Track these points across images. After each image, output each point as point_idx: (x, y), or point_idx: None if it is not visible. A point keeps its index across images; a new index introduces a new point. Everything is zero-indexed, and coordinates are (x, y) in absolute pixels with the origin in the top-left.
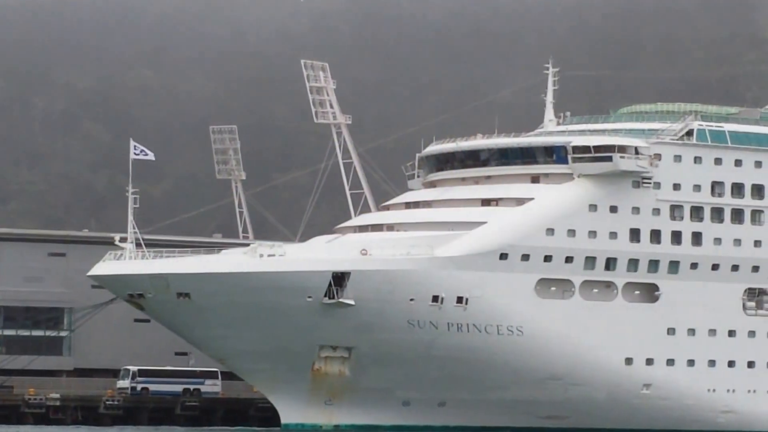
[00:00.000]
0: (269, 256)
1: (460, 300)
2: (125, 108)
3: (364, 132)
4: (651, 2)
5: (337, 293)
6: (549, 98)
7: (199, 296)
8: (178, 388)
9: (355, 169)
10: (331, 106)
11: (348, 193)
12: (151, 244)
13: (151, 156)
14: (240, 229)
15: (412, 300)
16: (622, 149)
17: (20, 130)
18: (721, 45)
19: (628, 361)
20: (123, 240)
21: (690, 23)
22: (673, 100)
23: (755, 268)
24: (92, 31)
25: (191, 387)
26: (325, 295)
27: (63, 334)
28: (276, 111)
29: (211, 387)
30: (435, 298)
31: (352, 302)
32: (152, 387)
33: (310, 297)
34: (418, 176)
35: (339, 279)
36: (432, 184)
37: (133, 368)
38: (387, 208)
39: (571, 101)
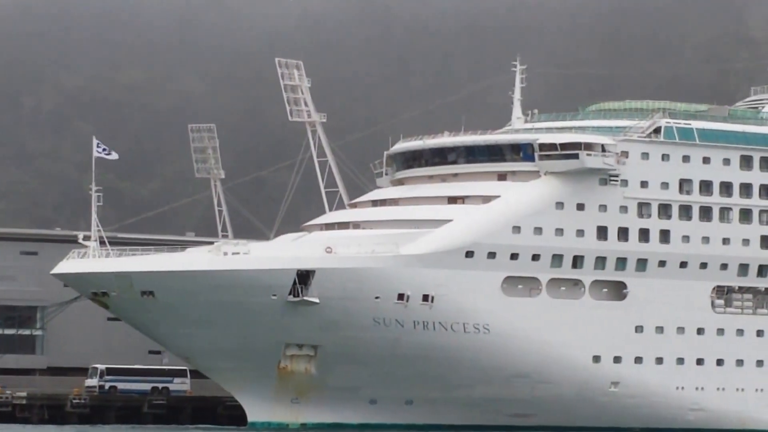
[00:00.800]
0: (233, 254)
1: (425, 298)
2: (115, 107)
3: (345, 129)
4: (641, 1)
5: (301, 291)
6: (516, 96)
7: (163, 294)
8: (147, 386)
9: (330, 167)
10: (306, 105)
11: (323, 191)
12: (116, 243)
13: (114, 156)
14: (219, 228)
15: (377, 298)
16: (588, 147)
17: (9, 129)
18: (710, 44)
19: (596, 359)
20: (87, 238)
21: (680, 22)
22: (659, 98)
23: (724, 266)
24: (82, 30)
25: (160, 385)
26: (290, 294)
27: (36, 332)
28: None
29: (180, 385)
30: (400, 296)
31: (316, 300)
32: (120, 385)
33: (274, 295)
34: (387, 174)
35: (304, 277)
36: (400, 182)
37: (101, 366)
38: (355, 205)
39: (555, 99)
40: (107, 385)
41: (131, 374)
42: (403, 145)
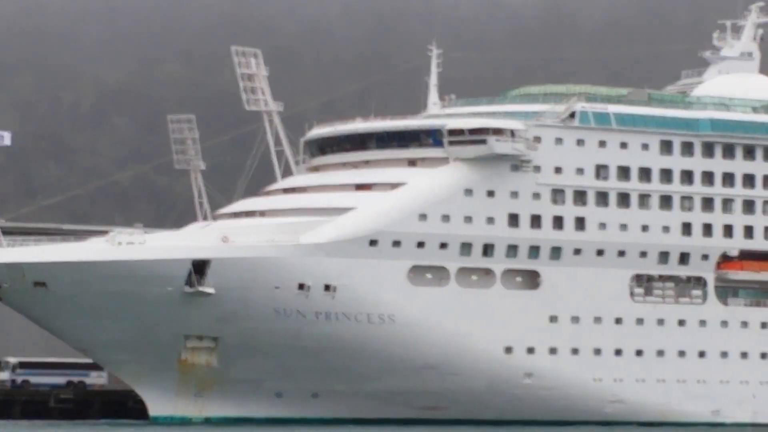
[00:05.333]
0: (128, 244)
1: (327, 288)
2: (154, 103)
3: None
4: None
5: (197, 282)
6: (433, 81)
7: (55, 285)
8: (62, 380)
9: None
10: (263, 93)
11: (279, 180)
12: (10, 232)
13: (6, 141)
14: (200, 219)
15: (277, 288)
16: (497, 132)
17: (48, 124)
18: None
19: (508, 350)
20: None
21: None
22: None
23: (643, 254)
24: (122, 26)
25: (75, 379)
26: (186, 284)
27: None
28: None
29: (96, 379)
30: (301, 286)
31: (212, 291)
32: (33, 379)
33: (170, 286)
34: (304, 161)
35: (200, 267)
36: (316, 169)
37: (13, 360)
38: (268, 193)
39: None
40: (19, 379)
41: (45, 368)
42: (316, 132)
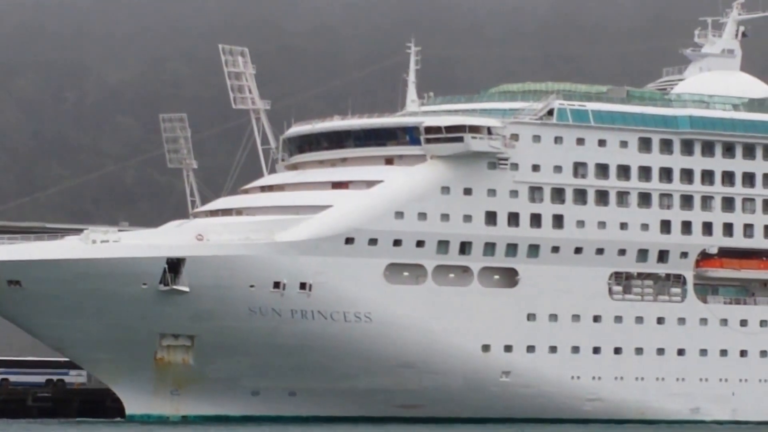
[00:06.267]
0: (102, 242)
1: (303, 286)
2: (157, 102)
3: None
4: None
5: (172, 280)
6: (411, 78)
7: (30, 284)
8: (41, 378)
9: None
10: (250, 92)
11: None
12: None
13: None
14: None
15: (252, 287)
16: (474, 129)
17: (51, 123)
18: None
19: (486, 348)
20: None
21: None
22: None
23: (622, 252)
24: (126, 25)
25: (54, 378)
26: (160, 282)
27: None
28: None
29: (76, 378)
30: (276, 285)
31: (186, 289)
32: (13, 378)
33: (145, 284)
34: (283, 159)
35: (175, 265)
36: (294, 167)
37: None
38: (246, 191)
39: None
40: None
41: (25, 366)
42: (294, 130)
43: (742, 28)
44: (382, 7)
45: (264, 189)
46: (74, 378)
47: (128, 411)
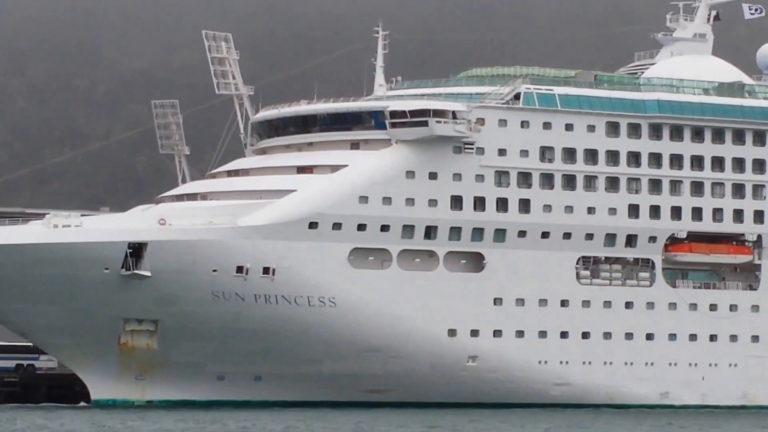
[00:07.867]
0: (64, 226)
1: (266, 270)
2: (169, 89)
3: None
4: None
5: (133, 264)
6: (379, 63)
7: None
8: (11, 363)
9: None
10: (234, 77)
11: None
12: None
13: None
14: None
15: (215, 271)
16: (438, 113)
17: (63, 110)
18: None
19: (452, 332)
20: None
21: None
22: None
23: (589, 236)
24: (138, 11)
25: (25, 363)
26: (122, 267)
27: None
28: None
29: (46, 363)
30: (239, 269)
31: (148, 273)
32: None
33: (107, 269)
34: (252, 144)
35: (137, 250)
36: (262, 152)
37: None
38: (213, 176)
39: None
40: None
41: None
42: (261, 114)
43: (714, 12)
44: None
45: (230, 173)
46: (44, 363)
47: (93, 396)
